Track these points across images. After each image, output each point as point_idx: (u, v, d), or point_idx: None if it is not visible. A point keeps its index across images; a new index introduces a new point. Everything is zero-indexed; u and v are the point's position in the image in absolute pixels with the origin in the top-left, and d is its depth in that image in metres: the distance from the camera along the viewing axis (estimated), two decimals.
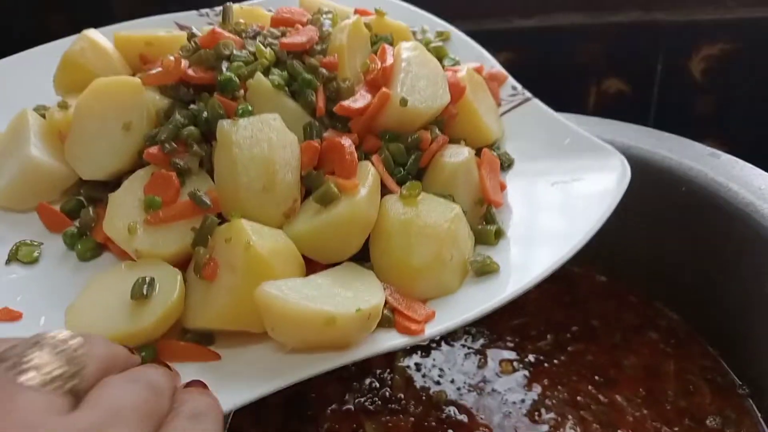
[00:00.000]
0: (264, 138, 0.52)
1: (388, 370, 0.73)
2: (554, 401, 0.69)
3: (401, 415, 0.68)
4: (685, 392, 0.71)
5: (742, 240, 0.71)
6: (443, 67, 0.69)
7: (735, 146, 0.78)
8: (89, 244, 0.54)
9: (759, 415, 0.68)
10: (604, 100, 1.11)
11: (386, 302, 0.49)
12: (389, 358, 0.74)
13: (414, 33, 0.75)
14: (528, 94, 0.70)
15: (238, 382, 0.45)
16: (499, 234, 0.57)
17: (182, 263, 0.50)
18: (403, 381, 0.71)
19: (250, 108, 0.54)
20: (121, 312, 0.46)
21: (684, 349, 0.76)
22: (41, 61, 0.67)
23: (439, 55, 0.73)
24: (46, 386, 0.33)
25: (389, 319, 0.48)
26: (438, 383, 0.71)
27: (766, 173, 0.73)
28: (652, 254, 0.81)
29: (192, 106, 0.56)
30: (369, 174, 0.53)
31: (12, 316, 0.49)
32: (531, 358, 0.74)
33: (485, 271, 0.53)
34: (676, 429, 0.67)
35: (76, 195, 0.59)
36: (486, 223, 0.58)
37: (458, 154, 0.58)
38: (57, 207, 0.58)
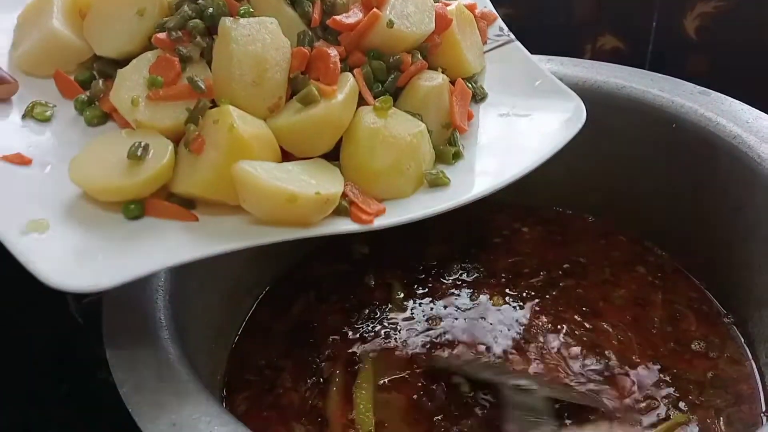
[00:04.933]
0: (260, 38, 0.58)
1: (386, 302, 0.78)
2: (541, 329, 0.73)
3: (396, 342, 0.73)
4: (672, 319, 0.74)
5: (729, 173, 0.73)
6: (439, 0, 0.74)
7: None
8: (96, 111, 0.61)
9: (743, 340, 0.71)
10: (600, 56, 1.13)
11: (346, 195, 0.56)
12: (387, 290, 0.79)
13: None
14: (512, 36, 0.76)
15: (210, 238, 0.53)
16: (457, 155, 0.64)
17: (175, 138, 0.57)
18: (399, 311, 0.77)
19: (251, 10, 0.60)
20: (117, 168, 0.53)
21: (671, 282, 0.79)
22: None
23: None
24: None
25: (346, 209, 0.56)
26: (431, 309, 0.77)
27: (753, 108, 0.74)
28: (642, 193, 0.83)
29: (200, 1, 0.62)
30: (348, 84, 0.59)
31: (23, 160, 0.56)
32: (522, 292, 0.78)
33: (437, 183, 0.60)
34: (661, 350, 0.70)
35: (90, 69, 0.65)
36: (449, 144, 0.65)
37: (432, 79, 0.64)
38: (72, 77, 0.65)
